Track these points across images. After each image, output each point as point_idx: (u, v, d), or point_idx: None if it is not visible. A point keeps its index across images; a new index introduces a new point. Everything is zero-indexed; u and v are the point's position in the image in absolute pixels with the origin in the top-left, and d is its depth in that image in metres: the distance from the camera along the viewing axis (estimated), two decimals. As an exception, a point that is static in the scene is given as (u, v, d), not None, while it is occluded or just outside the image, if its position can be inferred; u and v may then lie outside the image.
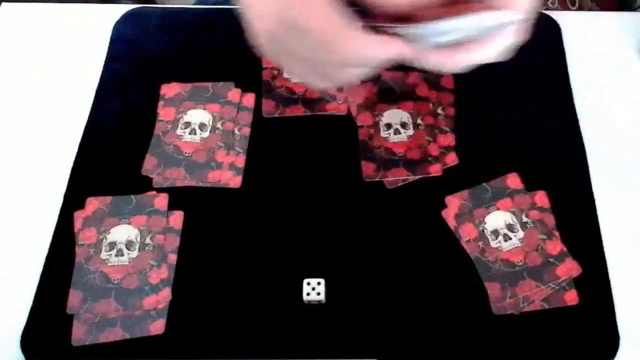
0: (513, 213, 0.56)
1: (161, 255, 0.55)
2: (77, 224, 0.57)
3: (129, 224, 0.56)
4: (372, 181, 0.59)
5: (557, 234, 0.55)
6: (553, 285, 0.53)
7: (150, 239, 0.55)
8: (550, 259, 0.54)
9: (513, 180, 0.58)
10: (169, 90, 0.64)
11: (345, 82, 0.48)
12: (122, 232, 0.56)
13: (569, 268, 0.54)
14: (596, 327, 0.52)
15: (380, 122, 0.62)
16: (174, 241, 0.56)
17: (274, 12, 0.44)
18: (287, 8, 0.43)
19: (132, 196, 0.58)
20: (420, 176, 0.59)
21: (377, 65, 0.44)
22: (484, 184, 0.58)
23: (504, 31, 0.45)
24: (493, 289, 0.53)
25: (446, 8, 0.46)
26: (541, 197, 0.57)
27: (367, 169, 0.60)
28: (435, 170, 0.59)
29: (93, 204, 0.58)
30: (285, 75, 0.65)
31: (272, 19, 0.44)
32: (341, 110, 0.63)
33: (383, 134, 0.61)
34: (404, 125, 0.62)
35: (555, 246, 0.55)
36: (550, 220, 0.56)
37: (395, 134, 0.61)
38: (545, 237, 0.55)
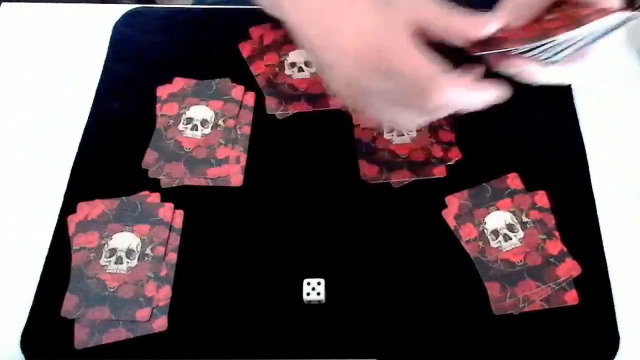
0: (513, 213, 0.56)
1: (158, 269, 0.54)
2: (71, 228, 0.57)
3: (132, 232, 0.56)
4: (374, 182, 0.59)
5: (557, 234, 0.55)
6: (553, 285, 0.53)
7: (151, 249, 0.55)
8: (550, 259, 0.54)
9: (513, 181, 0.58)
10: (164, 91, 0.64)
11: (427, 121, 0.48)
12: (124, 240, 0.56)
13: (569, 268, 0.54)
14: (596, 327, 0.52)
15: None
16: (174, 240, 0.56)
17: (357, 56, 0.44)
18: (375, 58, 0.43)
19: (137, 202, 0.58)
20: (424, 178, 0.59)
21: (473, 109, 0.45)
22: (484, 184, 0.58)
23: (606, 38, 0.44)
24: (493, 289, 0.53)
25: (543, 24, 0.45)
26: (541, 197, 0.57)
27: (370, 171, 0.59)
28: (440, 172, 0.59)
29: (85, 208, 0.57)
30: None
31: (355, 64, 0.44)
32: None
33: (386, 135, 0.61)
34: (406, 126, 0.62)
35: (555, 246, 0.55)
36: (550, 220, 0.56)
37: (398, 135, 0.61)
38: (545, 237, 0.55)
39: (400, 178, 0.59)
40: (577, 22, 0.42)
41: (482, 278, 0.54)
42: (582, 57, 0.45)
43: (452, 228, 0.56)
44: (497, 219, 0.56)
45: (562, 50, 0.44)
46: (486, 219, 0.56)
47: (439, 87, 0.42)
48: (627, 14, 0.42)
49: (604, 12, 0.42)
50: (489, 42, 0.45)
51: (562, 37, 0.42)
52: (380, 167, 0.60)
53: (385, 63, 0.43)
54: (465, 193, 0.58)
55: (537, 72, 0.46)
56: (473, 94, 0.44)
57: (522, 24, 0.45)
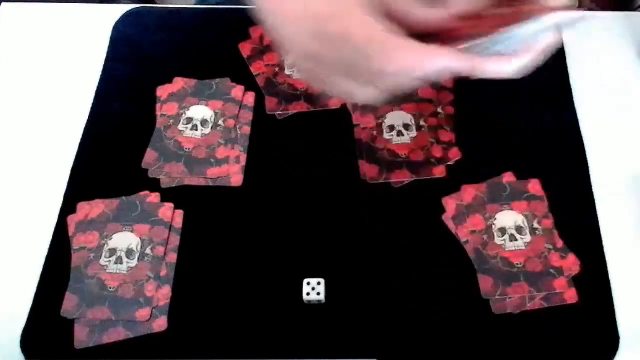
0: (526, 217, 0.56)
1: (158, 269, 0.54)
2: (71, 228, 0.57)
3: (132, 231, 0.56)
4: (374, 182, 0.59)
5: (560, 245, 0.55)
6: (546, 294, 0.53)
7: (151, 249, 0.55)
8: (551, 270, 0.54)
9: (535, 186, 0.58)
10: (164, 91, 0.64)
11: (390, 92, 0.44)
12: (124, 240, 0.56)
13: (565, 286, 0.53)
14: (596, 326, 0.52)
15: (383, 123, 0.62)
16: (175, 240, 0.56)
17: (308, 30, 0.42)
18: (324, 23, 0.41)
19: (137, 202, 0.58)
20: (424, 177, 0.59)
21: (426, 78, 0.42)
22: (504, 182, 0.58)
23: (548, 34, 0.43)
24: (485, 282, 0.53)
25: (492, 18, 0.44)
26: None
27: (370, 171, 0.59)
28: (440, 172, 0.59)
29: (85, 208, 0.57)
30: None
31: (307, 37, 0.42)
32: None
33: (386, 135, 0.61)
34: (406, 127, 0.62)
35: (558, 260, 0.54)
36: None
37: (398, 135, 0.61)
38: (551, 247, 0.55)
39: (400, 178, 0.59)
40: (522, 18, 0.42)
41: (477, 270, 0.54)
42: (525, 52, 0.44)
43: (457, 214, 0.56)
44: (508, 218, 0.56)
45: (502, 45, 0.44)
46: (497, 215, 0.56)
47: (386, 51, 0.40)
48: (572, 14, 0.42)
49: (550, 10, 0.42)
50: (440, 34, 0.45)
51: (506, 34, 0.42)
52: (380, 167, 0.60)
53: (332, 28, 0.41)
54: (484, 185, 0.58)
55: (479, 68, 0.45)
56: (426, 59, 0.41)
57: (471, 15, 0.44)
